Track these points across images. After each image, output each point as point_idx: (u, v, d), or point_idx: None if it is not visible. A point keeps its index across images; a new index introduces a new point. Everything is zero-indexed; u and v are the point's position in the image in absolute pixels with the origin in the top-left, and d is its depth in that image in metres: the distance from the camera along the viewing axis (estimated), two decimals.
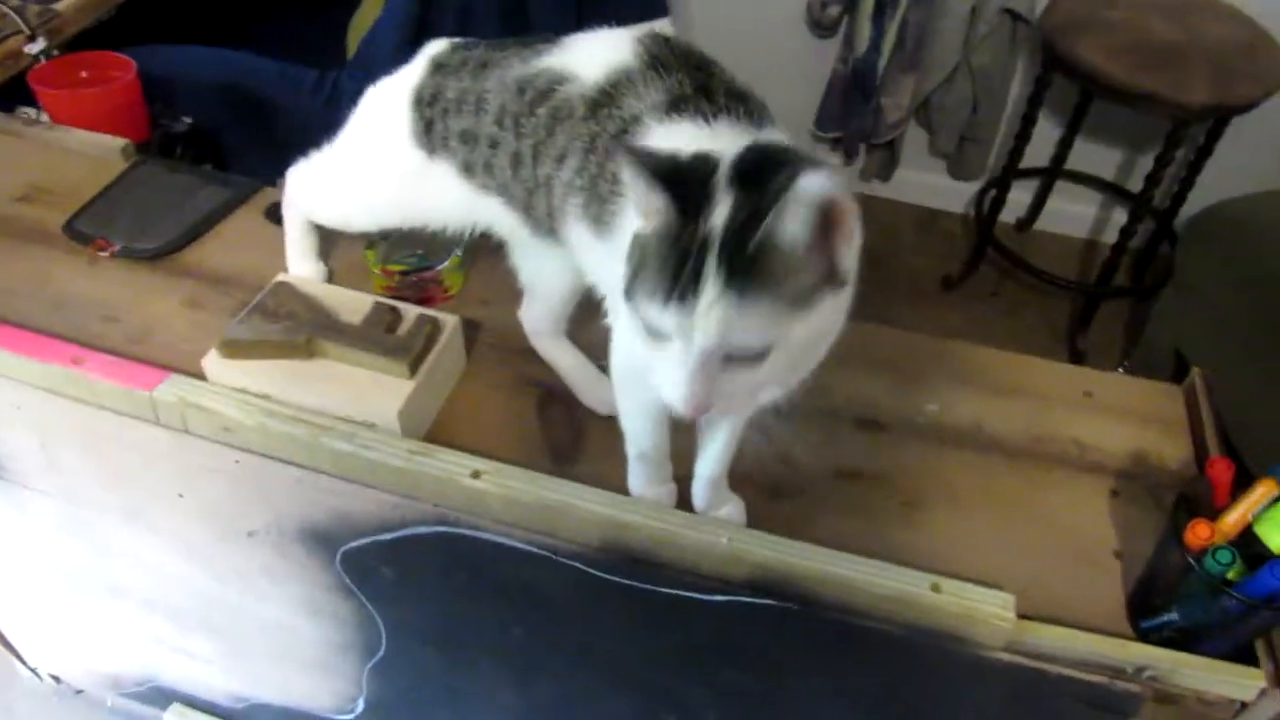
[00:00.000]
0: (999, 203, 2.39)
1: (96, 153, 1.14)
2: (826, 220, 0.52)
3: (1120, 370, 1.00)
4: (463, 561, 0.85)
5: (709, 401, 0.54)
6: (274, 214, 1.03)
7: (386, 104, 0.83)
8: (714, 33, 2.57)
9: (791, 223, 0.51)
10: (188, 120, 1.44)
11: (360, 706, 1.18)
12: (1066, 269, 2.52)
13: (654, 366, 0.56)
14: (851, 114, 2.44)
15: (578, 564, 0.80)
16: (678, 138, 0.61)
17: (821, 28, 2.41)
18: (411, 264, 0.97)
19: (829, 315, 0.56)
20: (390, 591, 0.94)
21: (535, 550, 0.80)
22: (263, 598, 1.05)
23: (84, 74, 1.38)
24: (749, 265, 0.51)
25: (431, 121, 0.78)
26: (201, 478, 0.90)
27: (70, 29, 1.45)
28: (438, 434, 0.85)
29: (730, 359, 0.53)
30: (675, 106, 0.63)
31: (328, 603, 0.99)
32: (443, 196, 0.81)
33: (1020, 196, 2.60)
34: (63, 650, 1.44)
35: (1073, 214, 2.64)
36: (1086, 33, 1.95)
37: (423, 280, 0.97)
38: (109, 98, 1.35)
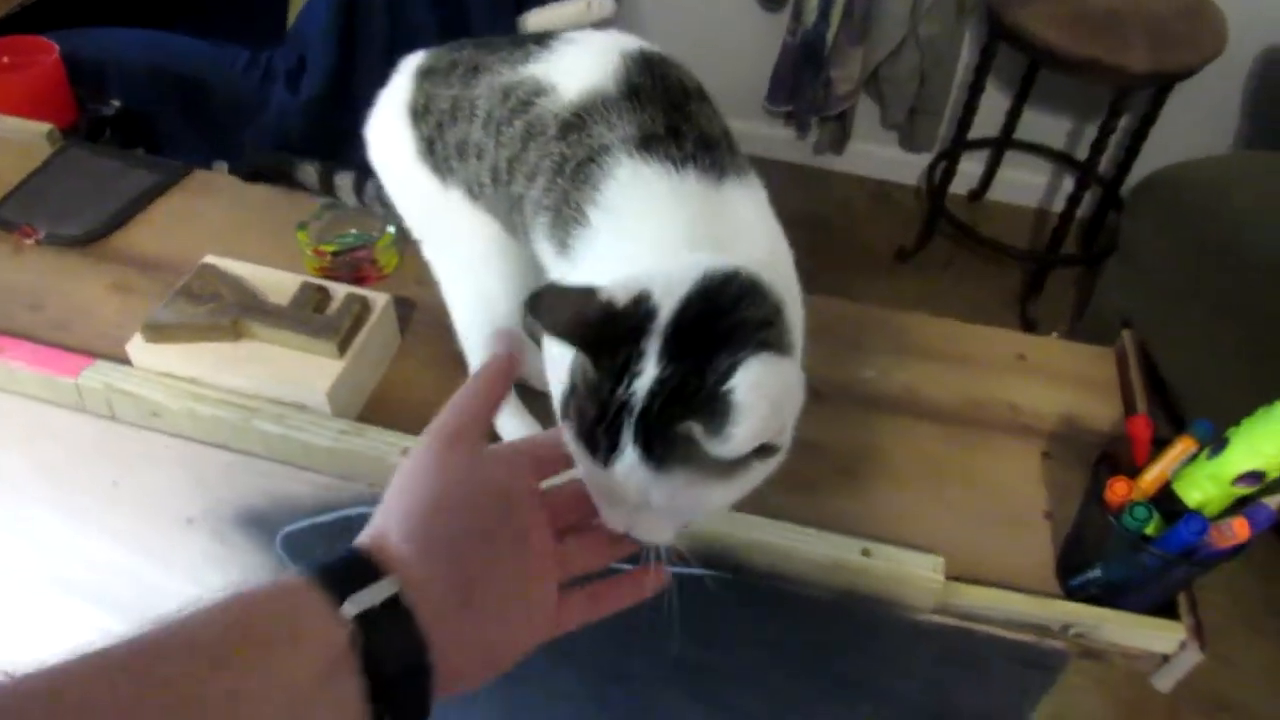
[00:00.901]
0: (949, 174, 2.40)
1: (20, 138, 1.11)
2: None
3: (1054, 335, 1.01)
4: None
5: (638, 529, 0.52)
6: (249, 172, 1.02)
7: (388, 134, 0.75)
8: (664, 9, 2.55)
9: (717, 432, 0.46)
10: (116, 103, 1.41)
11: None
12: (1018, 238, 2.55)
13: (586, 481, 0.53)
14: (802, 87, 2.44)
15: None
16: (647, 178, 0.59)
17: (770, 0, 2.40)
18: (344, 244, 0.96)
19: (758, 476, 0.52)
20: None
21: None
22: (208, 587, 1.03)
23: (5, 59, 1.34)
24: (669, 444, 0.47)
25: (432, 141, 0.72)
26: (134, 465, 0.88)
27: None
28: (372, 414, 0.85)
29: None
30: (646, 144, 0.59)
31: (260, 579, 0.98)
32: (468, 230, 0.76)
33: (972, 167, 2.62)
34: (12, 647, 1.42)
35: (1023, 183, 2.66)
36: (1031, 2, 1.97)
37: (356, 260, 0.95)
38: (31, 82, 1.32)
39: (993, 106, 2.43)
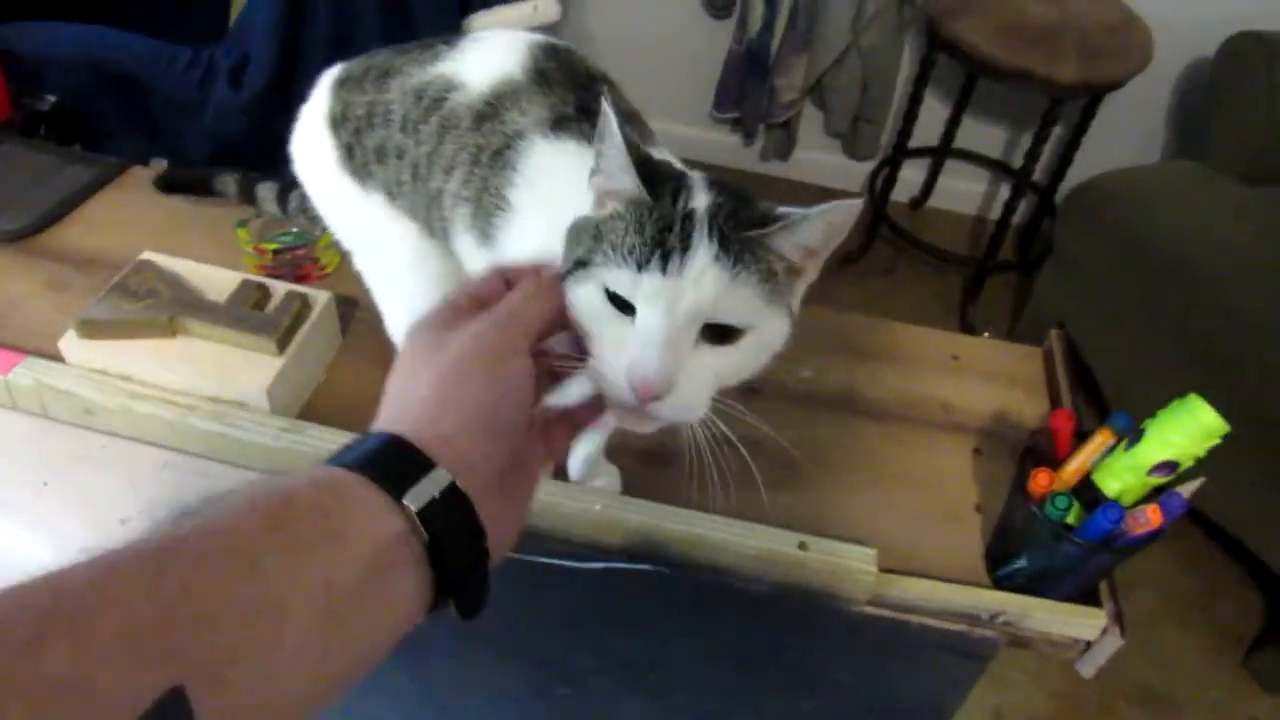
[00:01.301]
0: (891, 181, 2.45)
1: None
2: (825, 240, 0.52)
3: (986, 335, 1.04)
4: None
5: (675, 377, 0.50)
6: (165, 183, 1.00)
7: (310, 144, 0.77)
8: (612, 16, 2.57)
9: (812, 227, 0.50)
10: (52, 99, 1.38)
11: None
12: (958, 244, 2.61)
13: (604, 346, 0.51)
14: (748, 94, 2.47)
15: None
16: (564, 156, 0.61)
17: (715, 8, 2.43)
18: (285, 242, 0.95)
19: (777, 332, 0.55)
20: None
21: None
22: None
23: None
24: (742, 244, 0.50)
25: (351, 147, 0.73)
26: (66, 465, 0.87)
27: None
28: (313, 411, 0.84)
29: (702, 338, 0.51)
30: (559, 124, 0.62)
31: None
32: (393, 235, 0.76)
33: (913, 175, 2.67)
34: None
35: (963, 191, 2.73)
36: (968, 13, 2.02)
37: (297, 258, 0.95)
38: None
39: (933, 116, 2.48)
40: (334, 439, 0.77)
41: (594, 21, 2.58)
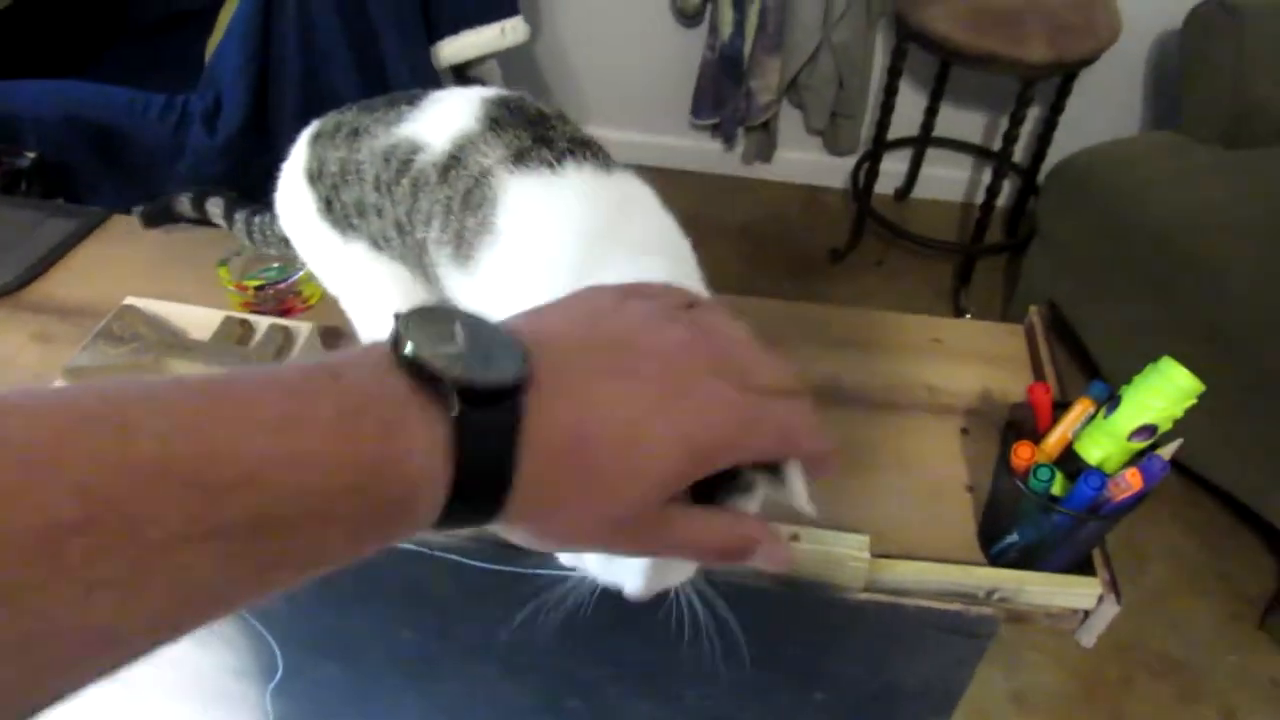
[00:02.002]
0: (873, 174, 2.47)
1: None
2: None
3: (968, 317, 1.04)
4: (342, 568, 0.85)
5: (666, 581, 0.54)
6: (153, 217, 1.02)
7: (291, 196, 0.79)
8: (583, 32, 2.59)
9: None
10: (31, 155, 1.40)
11: None
12: (946, 232, 2.62)
13: (587, 560, 0.55)
14: (725, 99, 2.49)
15: (454, 556, 0.80)
16: (534, 187, 0.63)
17: (686, 17, 2.45)
18: (267, 277, 0.96)
19: None
20: (276, 607, 0.93)
21: (410, 547, 0.80)
22: None
23: None
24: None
25: (329, 200, 0.76)
26: None
27: None
28: None
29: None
30: (520, 158, 0.64)
31: (215, 627, 0.98)
32: (381, 276, 0.78)
33: (896, 166, 2.69)
34: None
35: (946, 179, 2.74)
36: (934, 2, 2.04)
37: (280, 293, 0.96)
38: None
39: (910, 106, 2.50)
40: None
41: (567, 39, 2.60)
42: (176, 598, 0.28)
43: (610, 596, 0.81)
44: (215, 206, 0.95)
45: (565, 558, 0.66)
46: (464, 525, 0.35)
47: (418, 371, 0.33)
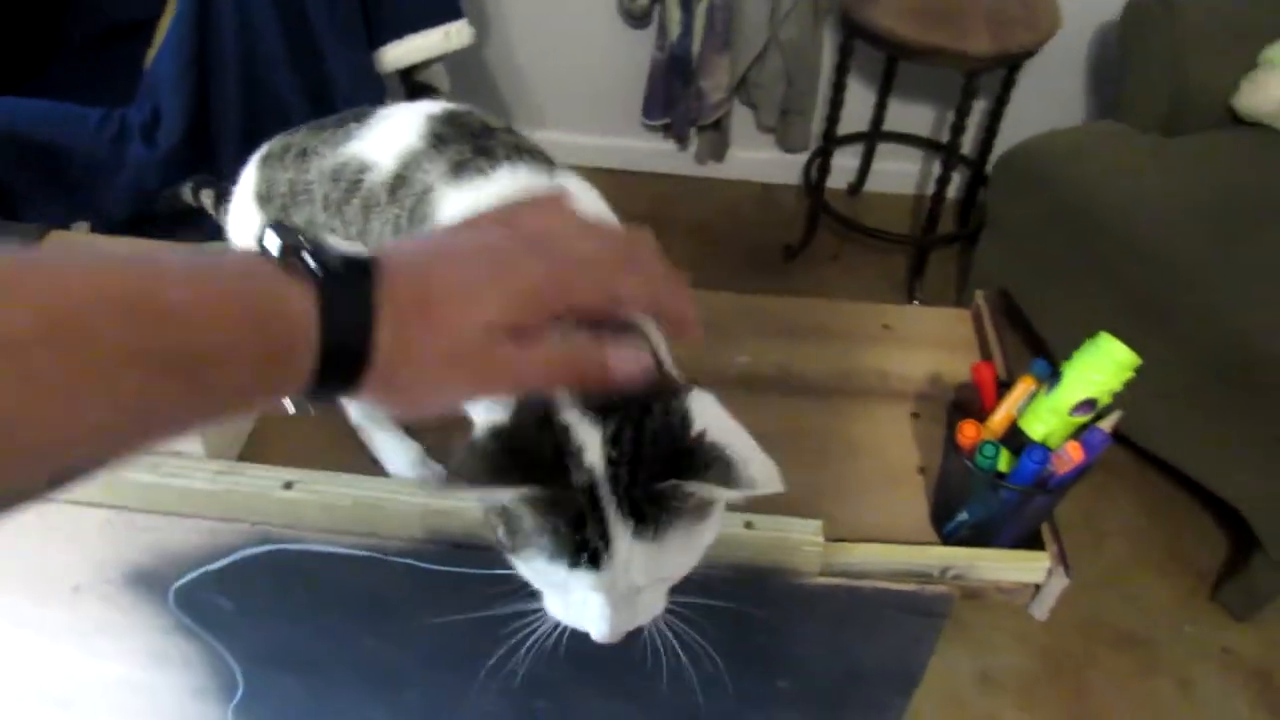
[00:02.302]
0: (825, 170, 2.49)
1: None
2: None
3: (915, 303, 1.06)
4: (295, 578, 0.84)
5: (633, 622, 0.55)
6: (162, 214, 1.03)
7: (242, 219, 0.79)
8: (531, 36, 2.58)
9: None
10: None
11: None
12: (899, 225, 2.65)
13: (554, 604, 0.56)
14: (675, 99, 2.50)
15: (409, 560, 0.79)
16: (466, 196, 0.64)
17: (634, 18, 2.46)
18: None
19: (716, 528, 0.56)
20: (232, 623, 0.92)
21: (363, 553, 0.79)
22: (103, 657, 1.00)
23: None
24: (655, 504, 0.49)
25: (280, 222, 0.77)
26: (6, 533, 0.85)
27: None
28: (252, 454, 0.84)
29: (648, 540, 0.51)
30: (458, 170, 0.65)
31: (171, 647, 0.96)
32: None
33: (848, 162, 2.71)
34: None
35: (897, 172, 2.77)
36: None
37: None
38: None
39: (859, 102, 2.52)
40: (275, 476, 0.77)
41: (515, 43, 2.60)
42: (111, 412, 0.34)
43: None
44: (207, 197, 0.95)
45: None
46: (338, 384, 0.40)
47: (284, 254, 0.40)
